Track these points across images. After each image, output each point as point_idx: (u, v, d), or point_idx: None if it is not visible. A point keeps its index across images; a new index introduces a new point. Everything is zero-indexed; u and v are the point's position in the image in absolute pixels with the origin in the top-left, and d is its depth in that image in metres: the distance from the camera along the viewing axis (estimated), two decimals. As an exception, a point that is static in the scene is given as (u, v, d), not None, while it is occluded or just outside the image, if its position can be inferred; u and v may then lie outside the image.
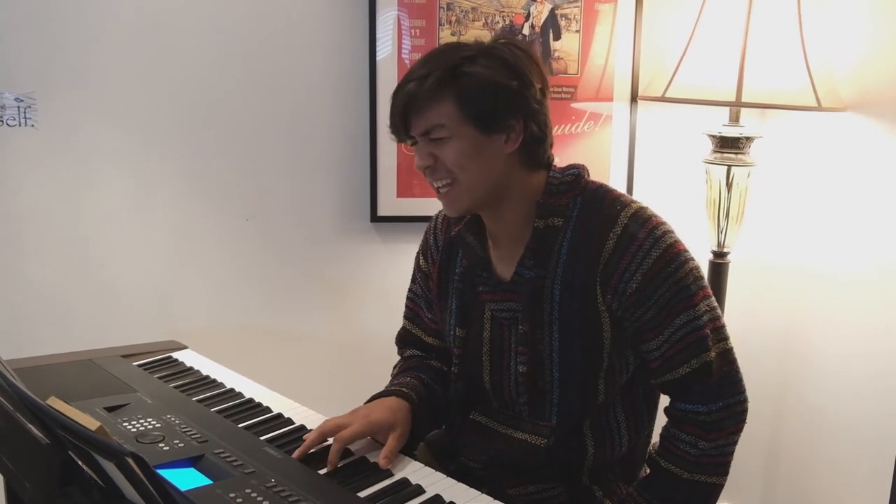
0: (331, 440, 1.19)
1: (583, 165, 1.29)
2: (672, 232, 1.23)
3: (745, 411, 1.26)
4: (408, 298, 1.50)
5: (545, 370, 1.26)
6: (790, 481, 2.16)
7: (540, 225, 1.24)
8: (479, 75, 1.18)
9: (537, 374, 1.26)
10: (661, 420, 1.36)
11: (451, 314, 1.37)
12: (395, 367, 1.49)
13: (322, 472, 1.15)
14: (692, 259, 1.24)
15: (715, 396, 1.23)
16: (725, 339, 1.25)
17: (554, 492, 1.31)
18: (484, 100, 1.18)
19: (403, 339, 1.52)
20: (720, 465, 1.25)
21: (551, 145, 1.27)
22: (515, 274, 1.27)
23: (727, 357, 1.25)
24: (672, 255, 1.20)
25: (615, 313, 1.22)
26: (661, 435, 1.30)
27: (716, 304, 1.25)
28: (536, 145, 1.24)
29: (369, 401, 1.32)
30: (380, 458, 1.19)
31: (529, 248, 1.25)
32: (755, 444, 2.16)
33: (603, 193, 1.26)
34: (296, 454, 1.18)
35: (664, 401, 1.33)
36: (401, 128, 1.23)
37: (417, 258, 1.46)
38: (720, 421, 1.23)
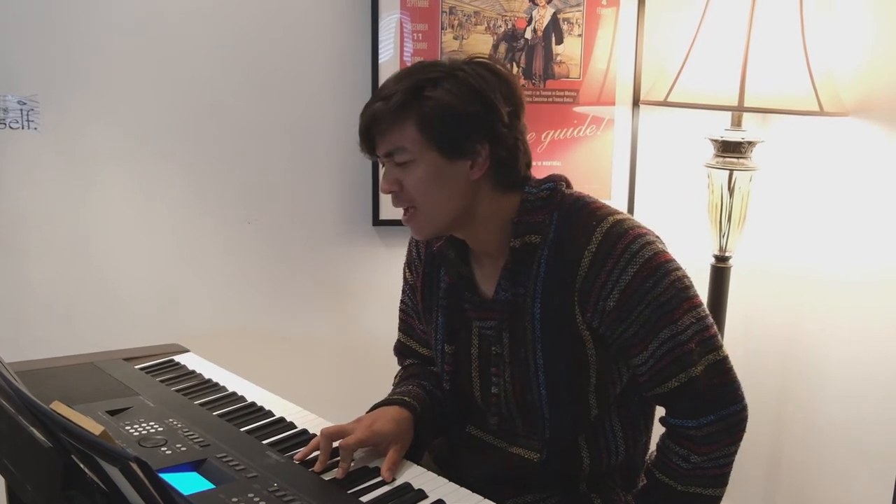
0: (336, 444, 1.18)
1: (560, 176, 1.25)
2: (652, 243, 1.18)
3: (742, 420, 1.21)
4: (400, 311, 1.48)
5: (532, 388, 1.24)
6: (792, 487, 2.16)
7: (517, 244, 1.21)
8: (439, 100, 1.14)
9: (525, 392, 1.24)
10: (659, 426, 1.36)
11: (438, 329, 1.35)
12: (396, 376, 1.48)
13: (324, 475, 1.15)
14: (675, 269, 1.18)
15: (706, 410, 1.19)
16: (716, 349, 1.20)
17: (551, 501, 1.29)
18: (444, 125, 1.15)
19: (400, 352, 1.50)
20: (716, 477, 1.21)
21: (528, 165, 1.24)
22: (495, 293, 1.25)
23: (719, 367, 1.20)
24: (650, 269, 1.16)
25: (597, 331, 1.20)
26: (658, 445, 1.27)
27: (705, 313, 1.20)
28: (507, 169, 1.20)
29: (371, 409, 1.31)
30: (383, 471, 1.17)
31: (507, 268, 1.22)
32: (757, 449, 2.16)
33: (580, 207, 1.22)
34: (297, 456, 1.18)
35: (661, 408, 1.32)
36: (366, 147, 1.21)
37: (404, 270, 1.43)
38: (712, 434, 1.19)
